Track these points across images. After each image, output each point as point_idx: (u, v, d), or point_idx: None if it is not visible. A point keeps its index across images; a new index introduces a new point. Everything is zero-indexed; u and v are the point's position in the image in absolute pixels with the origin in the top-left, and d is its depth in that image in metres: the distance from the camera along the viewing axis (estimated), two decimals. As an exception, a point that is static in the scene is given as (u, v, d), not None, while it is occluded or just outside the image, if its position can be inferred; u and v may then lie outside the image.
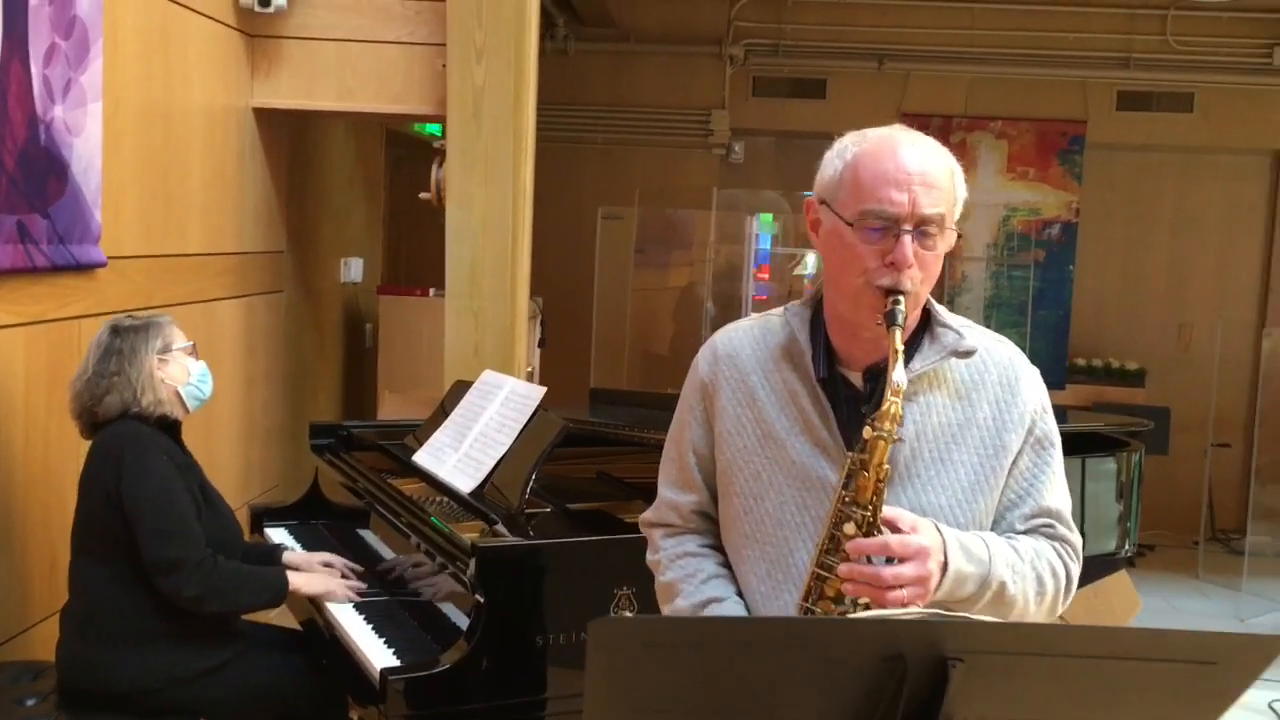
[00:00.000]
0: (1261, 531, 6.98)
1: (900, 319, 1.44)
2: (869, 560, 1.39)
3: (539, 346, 5.20)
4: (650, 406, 3.59)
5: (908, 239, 1.46)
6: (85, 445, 2.49)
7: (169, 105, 3.38)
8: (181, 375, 2.50)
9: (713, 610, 1.56)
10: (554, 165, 6.97)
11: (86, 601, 2.40)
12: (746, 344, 1.63)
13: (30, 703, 2.38)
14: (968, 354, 1.55)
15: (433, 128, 6.10)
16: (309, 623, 2.82)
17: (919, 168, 1.48)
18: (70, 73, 2.77)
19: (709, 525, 1.67)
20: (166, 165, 3.39)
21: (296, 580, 2.55)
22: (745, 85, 7.44)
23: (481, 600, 2.16)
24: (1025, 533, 1.55)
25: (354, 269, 5.25)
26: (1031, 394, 1.58)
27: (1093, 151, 7.33)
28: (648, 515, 1.73)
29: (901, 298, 1.45)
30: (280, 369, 4.43)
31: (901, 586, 1.37)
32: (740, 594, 1.59)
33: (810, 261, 6.79)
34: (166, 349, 2.47)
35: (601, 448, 3.19)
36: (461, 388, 3.11)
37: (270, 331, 4.29)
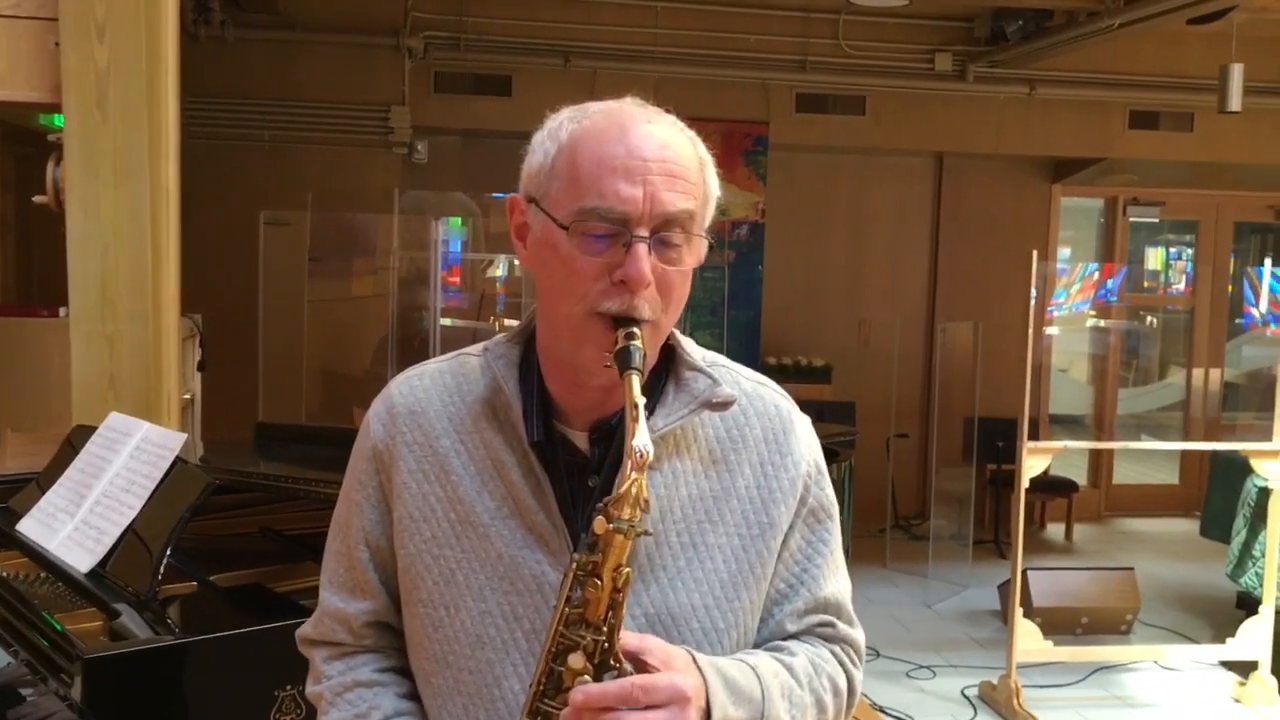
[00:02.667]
0: (940, 516, 7.32)
1: (638, 359, 1.08)
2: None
3: (199, 370, 4.58)
4: (328, 444, 3.13)
5: (642, 248, 1.09)
6: None
7: None
8: None
9: None
10: (215, 165, 6.27)
11: None
12: (434, 396, 1.22)
13: None
14: (724, 405, 1.20)
15: (60, 120, 5.30)
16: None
17: (658, 153, 1.11)
18: None
19: (389, 640, 1.26)
20: None
21: None
22: (427, 81, 7.01)
23: (94, 727, 1.67)
24: (798, 634, 1.23)
25: (-38, 286, 4.42)
26: (805, 451, 1.25)
27: (775, 152, 7.42)
28: (306, 631, 1.30)
29: (636, 329, 1.09)
30: None
31: None
32: None
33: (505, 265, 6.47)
34: None
35: (263, 494, 2.71)
36: (81, 435, 2.54)
37: None
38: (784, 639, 1.23)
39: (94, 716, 1.67)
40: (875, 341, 7.83)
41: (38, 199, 3.45)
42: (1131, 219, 8.38)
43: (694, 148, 1.18)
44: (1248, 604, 5.50)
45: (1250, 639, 4.71)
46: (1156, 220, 8.64)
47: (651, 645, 1.06)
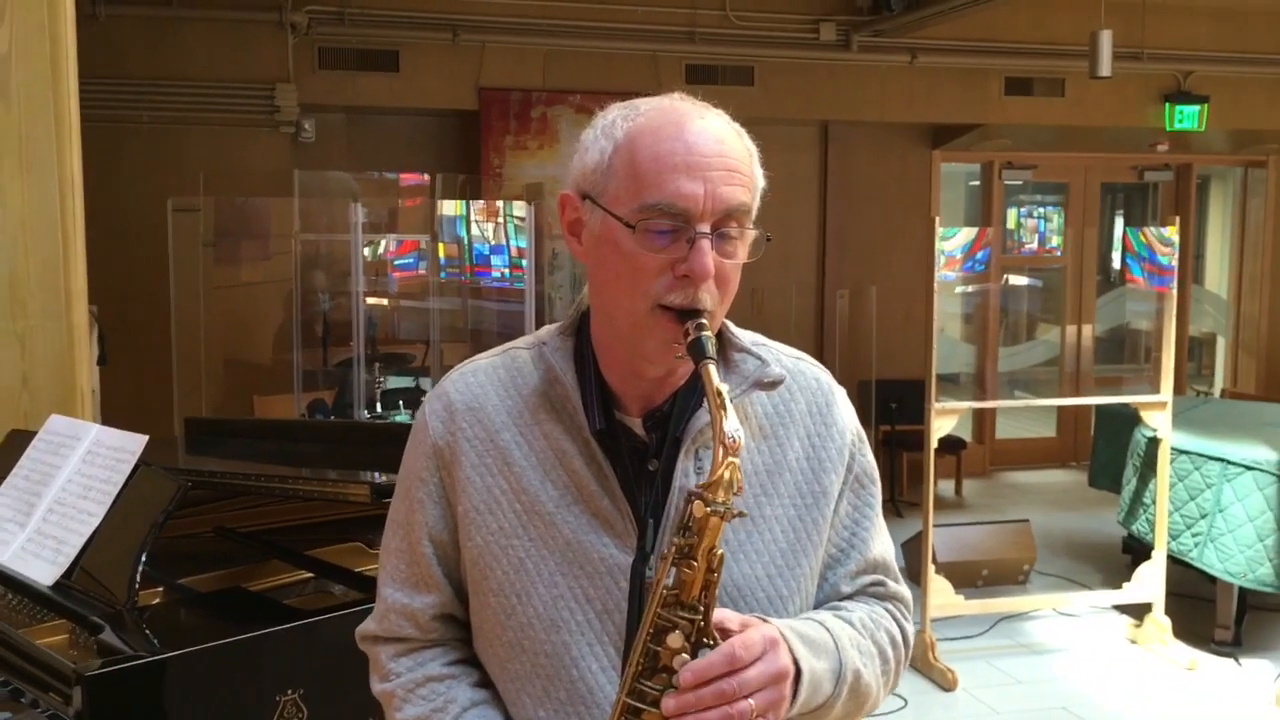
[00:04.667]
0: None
1: (710, 348, 1.12)
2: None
3: (99, 364, 4.39)
4: (263, 437, 3.05)
5: (706, 243, 1.14)
6: None
7: None
8: None
9: None
10: (91, 149, 5.98)
11: None
12: (491, 391, 1.25)
13: None
14: (774, 384, 1.26)
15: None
16: None
17: (715, 148, 1.15)
18: None
19: (455, 632, 1.27)
20: None
21: None
22: (311, 57, 6.81)
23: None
24: (852, 595, 1.29)
25: None
26: (847, 421, 1.31)
27: (669, 125, 7.44)
28: (370, 628, 1.30)
29: (704, 320, 1.13)
30: None
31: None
32: None
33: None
34: None
35: (209, 492, 2.62)
36: (18, 440, 2.42)
37: None
38: (840, 600, 1.29)
39: (96, 735, 1.62)
40: (769, 308, 7.96)
41: (-68, 191, 3.24)
42: (1006, 182, 8.69)
43: (743, 140, 1.22)
44: (1135, 550, 5.82)
45: (1144, 583, 4.98)
46: (1022, 183, 8.98)
47: (730, 616, 1.11)
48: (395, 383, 5.45)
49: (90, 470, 2.17)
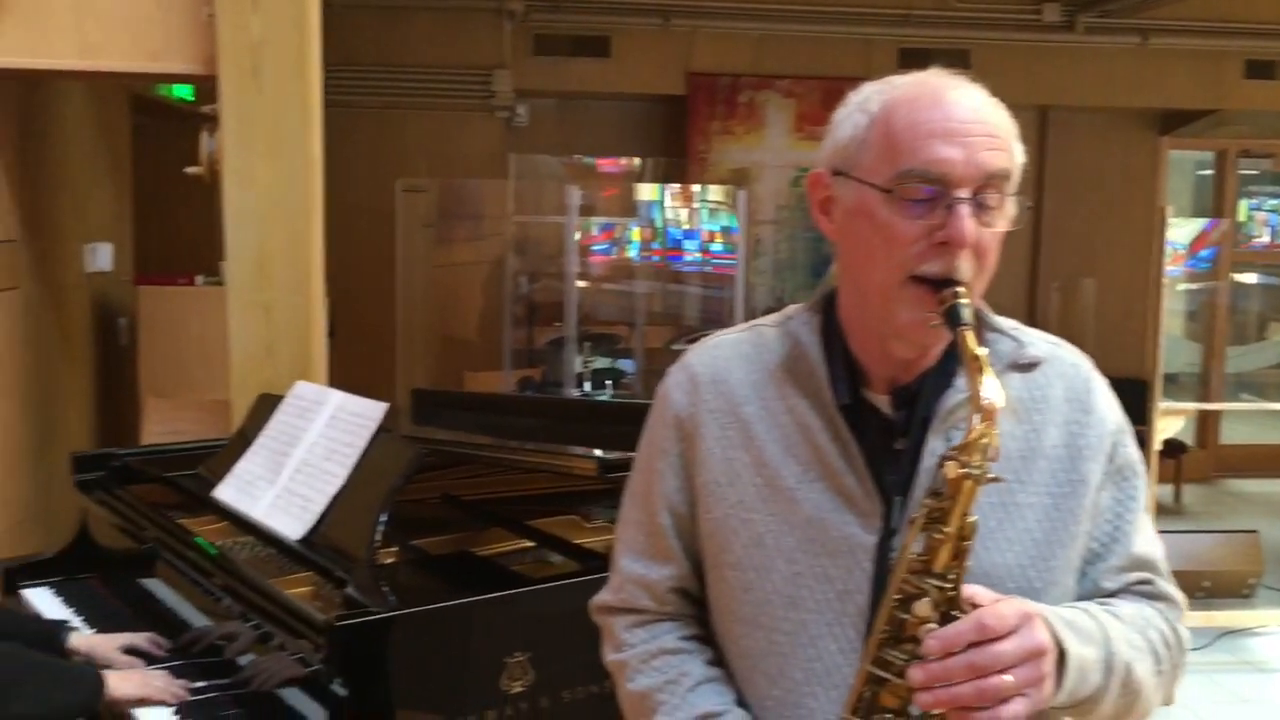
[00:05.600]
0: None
1: (967, 315, 1.07)
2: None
3: (328, 336, 4.64)
4: (482, 410, 3.16)
5: (965, 208, 1.09)
6: None
7: None
8: None
9: None
10: (325, 132, 6.31)
11: None
12: (736, 364, 1.24)
13: None
14: (1030, 366, 1.21)
15: (181, 90, 5.35)
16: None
17: (973, 114, 1.12)
18: None
19: (689, 607, 1.28)
20: None
21: (113, 682, 1.98)
22: (526, 43, 6.98)
23: (343, 692, 1.70)
24: (1116, 593, 1.23)
25: (101, 256, 4.51)
26: (1108, 409, 1.25)
27: (878, 110, 7.30)
28: (605, 598, 1.32)
29: (961, 289, 1.09)
30: (21, 381, 3.71)
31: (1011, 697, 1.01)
32: (742, 702, 1.21)
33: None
34: None
35: (437, 460, 2.73)
36: (267, 404, 2.59)
37: (5, 338, 3.57)
38: (1103, 598, 1.23)
39: (341, 680, 1.71)
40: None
41: (190, 170, 3.49)
42: (1240, 171, 8.15)
43: (1002, 111, 1.18)
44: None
45: (1390, 603, 4.61)
46: (1258, 173, 8.40)
47: (982, 592, 1.06)
48: (598, 363, 5.56)
49: (334, 434, 2.30)
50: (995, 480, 1.04)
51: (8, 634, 2.07)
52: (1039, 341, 1.26)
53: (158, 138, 5.42)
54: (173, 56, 3.34)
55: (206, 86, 4.65)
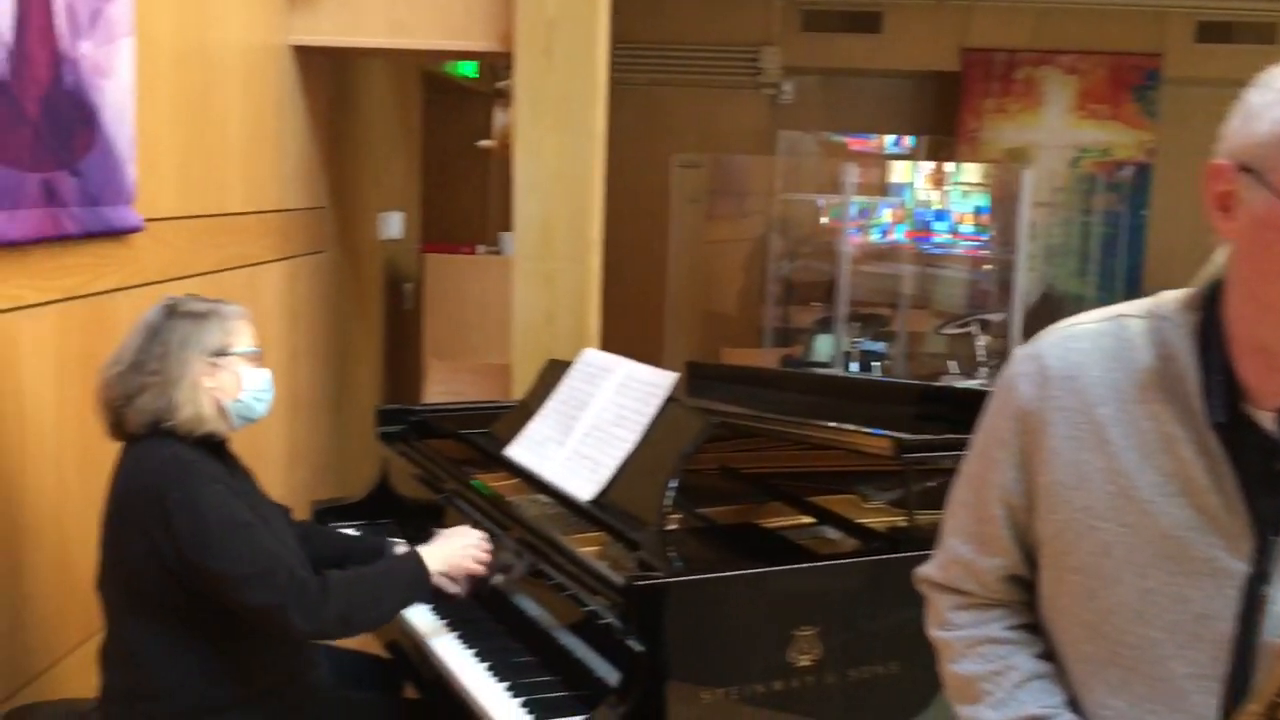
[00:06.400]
0: None
1: None
2: None
3: (597, 307, 4.77)
4: (757, 384, 3.18)
5: None
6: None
7: (205, 41, 2.92)
8: (232, 386, 2.00)
9: None
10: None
11: (140, 675, 1.94)
12: (1093, 360, 1.13)
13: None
14: None
15: (465, 67, 5.61)
16: (394, 646, 2.43)
17: None
18: (97, 0, 2.32)
19: (1019, 594, 1.23)
20: (205, 112, 2.94)
21: (431, 557, 2.11)
22: (794, 20, 6.94)
23: (638, 650, 1.75)
24: None
25: (393, 225, 4.80)
26: None
27: (1169, 87, 6.85)
28: (929, 572, 1.29)
29: None
30: (323, 339, 4.01)
31: None
32: (1071, 703, 1.16)
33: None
34: (222, 351, 1.98)
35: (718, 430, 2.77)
36: (555, 369, 2.68)
37: (313, 298, 3.86)
38: None
39: (638, 638, 1.76)
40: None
41: (482, 143, 3.68)
42: None
43: None
44: None
45: None
46: None
47: None
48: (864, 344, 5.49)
49: (623, 400, 2.36)
50: None
51: (348, 552, 2.30)
52: None
53: (444, 112, 5.72)
54: (473, 34, 3.51)
55: (495, 64, 4.88)
